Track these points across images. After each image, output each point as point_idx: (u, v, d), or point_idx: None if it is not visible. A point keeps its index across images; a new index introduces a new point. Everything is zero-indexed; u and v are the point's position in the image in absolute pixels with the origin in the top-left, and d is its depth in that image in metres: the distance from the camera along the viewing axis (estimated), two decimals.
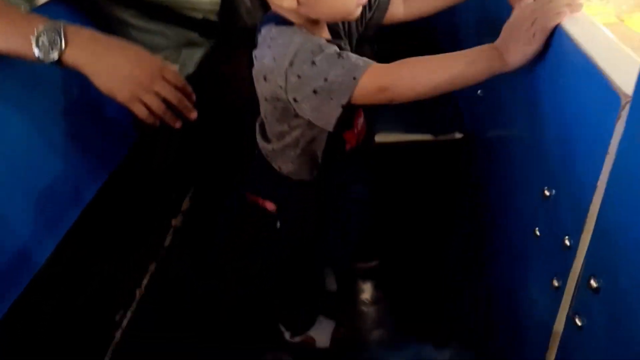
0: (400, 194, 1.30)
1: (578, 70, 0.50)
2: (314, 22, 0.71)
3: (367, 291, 1.25)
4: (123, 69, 0.82)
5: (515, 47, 0.59)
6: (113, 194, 1.18)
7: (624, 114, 0.41)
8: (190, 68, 1.15)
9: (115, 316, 1.17)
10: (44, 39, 0.77)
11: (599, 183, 0.46)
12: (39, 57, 0.78)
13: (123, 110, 0.86)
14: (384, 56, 0.84)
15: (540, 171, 0.63)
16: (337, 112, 0.66)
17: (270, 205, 0.90)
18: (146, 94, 0.84)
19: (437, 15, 0.90)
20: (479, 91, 0.97)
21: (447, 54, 0.64)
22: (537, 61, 0.61)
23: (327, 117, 0.67)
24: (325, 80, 0.64)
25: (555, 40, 0.56)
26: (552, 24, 0.57)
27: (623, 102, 0.41)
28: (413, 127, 1.18)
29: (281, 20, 0.70)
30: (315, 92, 0.65)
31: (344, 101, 0.65)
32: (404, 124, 1.18)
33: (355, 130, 0.84)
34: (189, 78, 1.14)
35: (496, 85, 0.89)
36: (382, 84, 0.64)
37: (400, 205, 1.33)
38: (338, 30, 0.79)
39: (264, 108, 0.79)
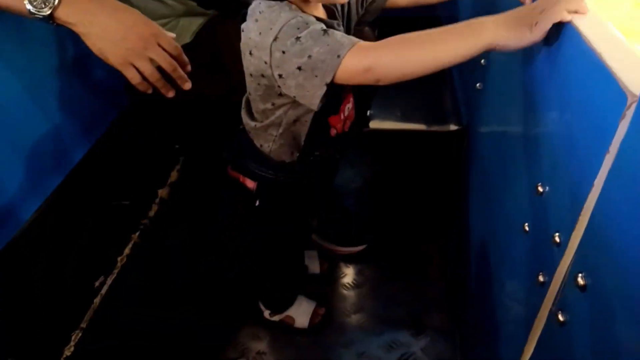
0: (393, 182, 1.30)
1: (585, 67, 0.49)
2: (305, 0, 0.70)
3: (349, 275, 1.26)
4: (117, 32, 0.80)
5: (514, 29, 0.57)
6: (101, 158, 1.16)
7: (629, 114, 0.40)
8: (187, 38, 1.13)
9: (95, 283, 1.16)
10: None
11: (596, 181, 0.45)
12: (29, 10, 0.75)
13: (115, 74, 0.84)
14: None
15: (536, 167, 0.63)
16: (322, 90, 0.65)
17: (250, 183, 0.89)
18: (140, 59, 0.82)
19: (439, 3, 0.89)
20: (477, 84, 0.97)
21: (434, 30, 0.62)
22: (543, 55, 0.61)
23: (311, 95, 0.67)
24: (309, 57, 0.63)
25: (563, 36, 0.55)
26: (556, 19, 0.55)
27: (629, 101, 0.40)
28: (409, 116, 1.17)
29: None
30: (299, 68, 0.65)
31: (328, 79, 0.64)
32: (401, 112, 1.18)
33: (342, 116, 0.84)
34: (185, 47, 1.12)
35: (496, 78, 0.88)
36: (366, 63, 0.63)
37: (392, 193, 1.33)
38: (334, 11, 0.78)
39: (249, 84, 0.78)
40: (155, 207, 1.36)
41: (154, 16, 1.11)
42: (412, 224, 1.35)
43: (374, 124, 1.18)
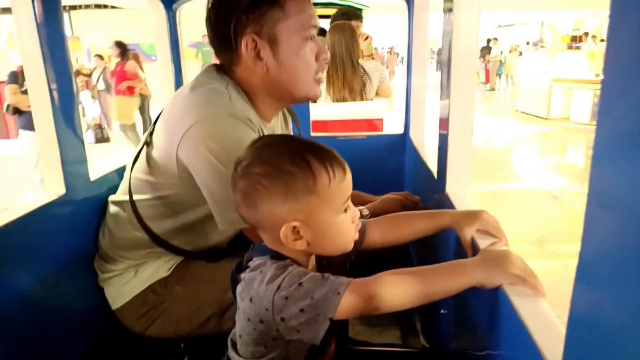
0: None
1: (515, 336, 0.59)
2: (306, 254, 0.80)
3: None
4: None
5: (490, 272, 0.69)
6: None
7: None
8: (163, 273, 1.19)
9: None
10: None
11: None
12: None
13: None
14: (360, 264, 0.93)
15: None
16: (325, 325, 0.70)
17: None
18: None
19: None
20: (442, 310, 1.07)
21: (424, 268, 0.73)
22: (484, 315, 0.71)
23: (315, 332, 0.71)
24: (312, 298, 0.70)
25: (498, 302, 0.67)
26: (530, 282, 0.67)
27: None
28: (381, 334, 1.23)
29: (275, 254, 0.78)
30: (302, 310, 0.70)
31: (331, 315, 0.70)
32: (373, 331, 1.24)
33: (327, 358, 0.88)
34: (161, 281, 1.17)
35: (456, 309, 0.98)
36: (368, 293, 0.70)
37: None
38: (322, 261, 0.87)
39: (243, 327, 0.80)
40: None
41: (137, 245, 1.18)
42: None
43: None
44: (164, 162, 1.07)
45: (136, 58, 7.25)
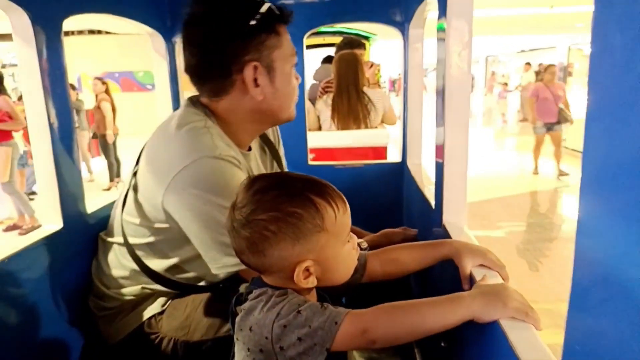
0: None
1: None
2: (309, 290, 0.79)
3: None
4: None
5: (488, 305, 0.68)
6: None
7: None
8: (158, 308, 1.17)
9: None
10: None
11: None
12: None
13: None
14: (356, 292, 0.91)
15: None
16: (323, 355, 0.70)
17: None
18: None
19: None
20: (442, 343, 1.04)
21: (420, 300, 0.72)
22: (482, 349, 0.70)
23: None
24: (309, 327, 0.69)
25: (496, 336, 0.65)
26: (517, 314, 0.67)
27: None
28: None
29: (274, 287, 0.77)
30: (300, 339, 0.69)
31: (328, 345, 0.69)
32: None
33: None
34: (156, 316, 1.15)
35: (456, 341, 0.96)
36: (363, 325, 0.70)
37: None
38: (323, 294, 0.86)
39: (242, 358, 0.79)
40: None
41: (130, 283, 1.15)
42: None
43: None
44: (151, 210, 1.05)
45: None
